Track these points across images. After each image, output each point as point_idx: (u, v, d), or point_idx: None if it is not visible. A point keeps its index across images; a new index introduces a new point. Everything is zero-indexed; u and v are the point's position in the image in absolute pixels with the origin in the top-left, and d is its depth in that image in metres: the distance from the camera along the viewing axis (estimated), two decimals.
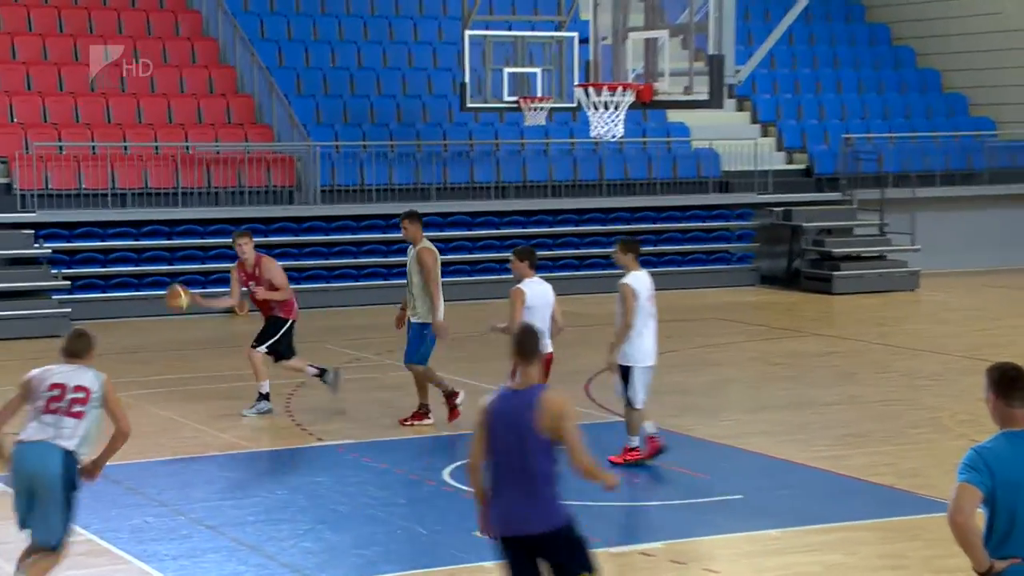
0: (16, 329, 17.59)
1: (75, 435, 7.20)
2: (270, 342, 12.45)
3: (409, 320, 12.07)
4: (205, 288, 19.80)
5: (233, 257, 12.93)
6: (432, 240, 21.13)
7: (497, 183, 22.21)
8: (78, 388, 7.28)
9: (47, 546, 7.22)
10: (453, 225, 21.65)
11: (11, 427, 7.45)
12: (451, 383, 12.30)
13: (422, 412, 12.16)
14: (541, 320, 10.20)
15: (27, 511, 7.20)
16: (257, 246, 21.19)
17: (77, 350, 7.45)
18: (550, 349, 10.31)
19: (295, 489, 10.10)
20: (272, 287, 12.39)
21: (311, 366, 12.83)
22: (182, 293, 12.04)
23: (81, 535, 8.86)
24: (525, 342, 6.01)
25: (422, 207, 21.40)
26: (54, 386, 7.28)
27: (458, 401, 12.19)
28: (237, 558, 8.51)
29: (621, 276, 10.53)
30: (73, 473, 7.21)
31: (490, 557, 8.60)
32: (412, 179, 21.70)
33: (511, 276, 10.78)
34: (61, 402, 7.23)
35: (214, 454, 11.18)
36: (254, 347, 12.45)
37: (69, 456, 7.19)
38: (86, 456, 7.31)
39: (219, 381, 14.30)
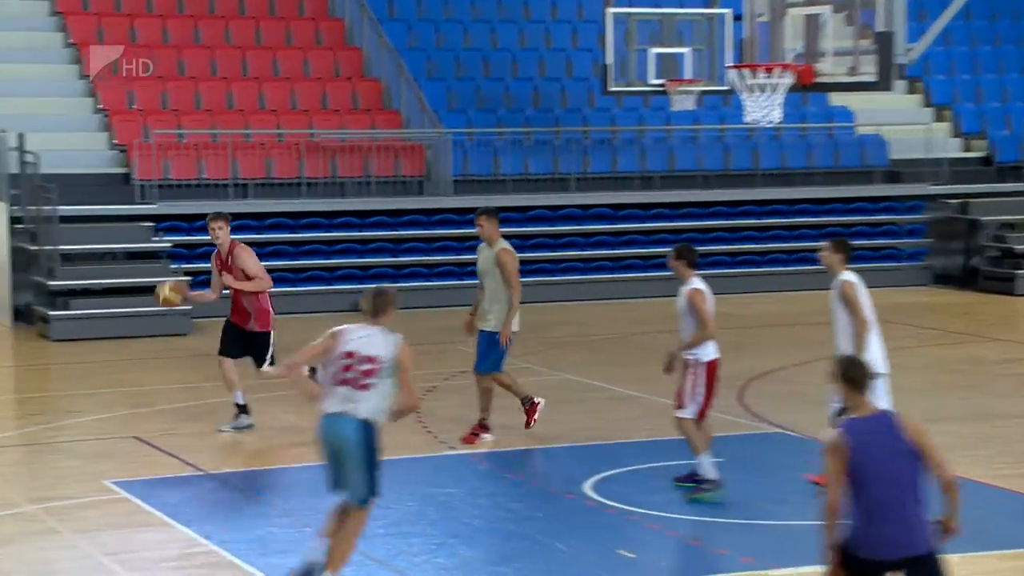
0: (134, 327, 18.02)
1: (368, 407, 7.75)
2: (269, 357, 12.20)
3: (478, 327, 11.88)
4: (331, 285, 20.12)
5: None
6: (572, 235, 21.54)
7: (642, 172, 22.14)
8: (368, 359, 7.76)
9: (356, 503, 7.89)
10: (595, 218, 21.65)
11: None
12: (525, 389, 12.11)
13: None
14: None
15: (337, 475, 7.87)
16: (385, 240, 21.23)
17: (374, 308, 7.91)
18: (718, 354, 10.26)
19: (426, 500, 10.19)
20: (246, 276, 12.12)
21: (241, 395, 12.32)
22: (166, 289, 12.08)
23: (203, 545, 9.08)
24: (853, 373, 6.45)
25: (560, 198, 21.50)
26: (347, 354, 7.79)
27: (538, 402, 12.02)
28: (366, 573, 8.62)
29: (833, 278, 10.20)
30: (371, 438, 7.78)
31: None
32: (550, 168, 21.73)
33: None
34: (351, 372, 7.76)
35: None
36: (260, 368, 12.26)
37: (365, 424, 7.76)
38: (382, 418, 7.84)
39: None
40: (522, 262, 18.30)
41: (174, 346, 17.40)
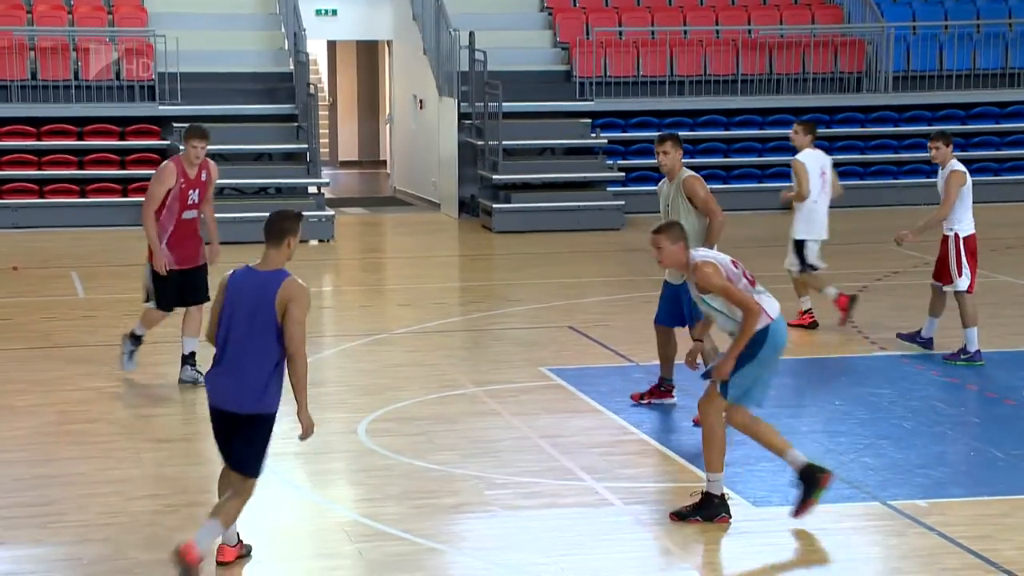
0: (570, 221, 18.44)
1: None
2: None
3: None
4: (761, 183, 19.90)
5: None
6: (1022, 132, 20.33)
7: None
8: None
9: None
10: None
11: None
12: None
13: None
14: None
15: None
16: (821, 138, 20.90)
17: None
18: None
19: (855, 400, 10.01)
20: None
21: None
22: None
23: (633, 433, 9.28)
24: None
25: (1011, 94, 20.40)
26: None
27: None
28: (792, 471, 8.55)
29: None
30: None
31: None
32: (999, 63, 20.66)
33: None
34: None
35: None
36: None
37: None
38: None
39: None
40: (964, 161, 17.64)
41: (608, 240, 17.72)
